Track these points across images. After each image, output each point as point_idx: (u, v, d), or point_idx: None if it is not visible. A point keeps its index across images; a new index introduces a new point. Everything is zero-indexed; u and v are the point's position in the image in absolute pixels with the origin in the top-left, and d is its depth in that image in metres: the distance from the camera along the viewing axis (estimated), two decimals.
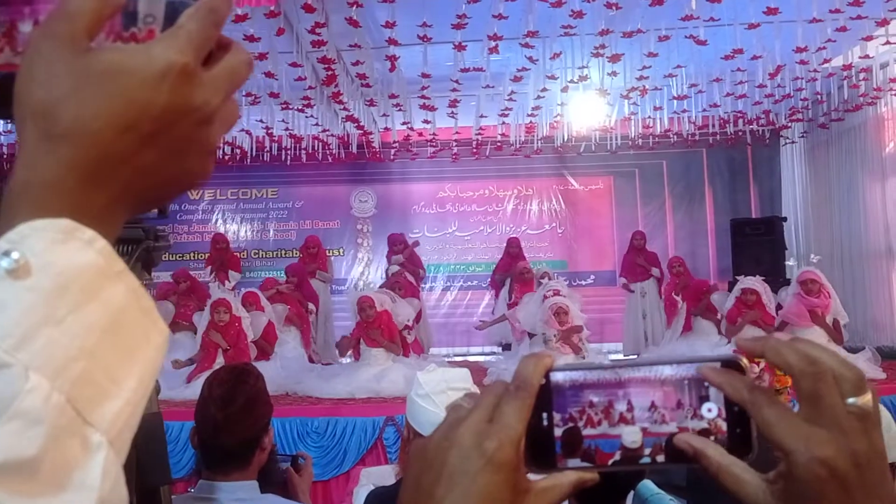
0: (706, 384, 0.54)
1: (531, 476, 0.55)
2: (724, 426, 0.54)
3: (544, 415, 0.55)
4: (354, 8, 5.18)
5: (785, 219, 9.69)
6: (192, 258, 10.32)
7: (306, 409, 5.71)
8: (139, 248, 1.63)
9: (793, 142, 10.00)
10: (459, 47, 5.66)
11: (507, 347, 8.38)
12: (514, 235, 9.58)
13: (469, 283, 10.56)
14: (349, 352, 6.38)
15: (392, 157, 10.32)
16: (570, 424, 0.55)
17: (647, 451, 0.55)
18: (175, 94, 0.46)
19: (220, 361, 5.77)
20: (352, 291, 7.91)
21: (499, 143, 9.48)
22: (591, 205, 10.82)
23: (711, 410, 0.54)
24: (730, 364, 0.55)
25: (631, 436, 0.55)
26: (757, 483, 0.52)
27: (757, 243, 9.13)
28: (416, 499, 0.53)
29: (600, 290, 10.34)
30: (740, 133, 9.22)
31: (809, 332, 6.22)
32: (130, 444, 0.45)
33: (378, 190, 10.97)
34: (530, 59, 6.05)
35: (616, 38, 5.82)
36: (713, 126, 8.96)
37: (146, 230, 1.68)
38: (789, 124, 9.34)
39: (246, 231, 10.92)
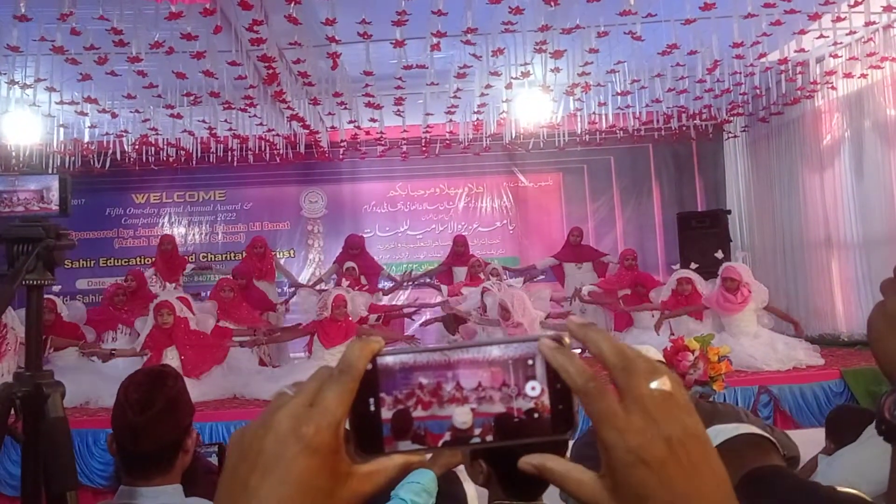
0: (531, 363, 0.55)
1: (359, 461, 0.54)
2: (548, 404, 0.54)
3: (371, 399, 0.54)
4: (293, 5, 5.12)
5: (729, 211, 9.92)
6: (138, 263, 10.11)
7: (253, 411, 5.66)
8: (39, 247, 1.59)
9: (735, 136, 10.20)
10: (400, 44, 5.63)
11: None
12: (462, 233, 9.66)
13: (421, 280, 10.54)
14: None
15: (341, 156, 10.27)
16: (399, 407, 0.54)
17: (478, 430, 0.55)
18: None
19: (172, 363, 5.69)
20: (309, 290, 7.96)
21: (447, 141, 9.49)
22: (541, 201, 10.91)
23: (535, 389, 0.54)
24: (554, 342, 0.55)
25: (461, 416, 0.55)
26: (593, 481, 0.53)
27: (703, 236, 9.31)
28: (232, 490, 0.51)
29: (552, 285, 10.41)
30: (684, 128, 9.37)
31: (736, 317, 6.44)
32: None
33: (328, 190, 10.90)
34: (474, 55, 6.05)
35: (556, 34, 5.86)
36: (658, 121, 9.10)
37: (46, 228, 1.64)
38: (731, 118, 9.53)
39: (194, 234, 10.75)
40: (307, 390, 0.52)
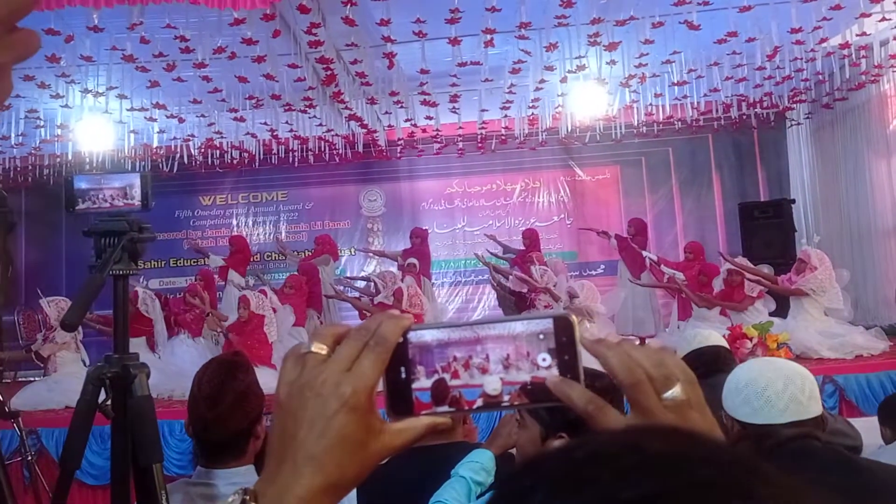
0: (542, 338, 0.62)
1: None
2: (557, 373, 0.62)
3: (402, 368, 0.62)
4: (349, 7, 5.25)
5: (793, 201, 9.67)
6: (206, 262, 10.44)
7: None
8: (124, 239, 1.72)
9: (798, 123, 9.97)
10: (455, 42, 5.72)
11: None
12: (531, 228, 9.68)
13: (480, 277, 10.60)
14: None
15: (398, 155, 10.41)
16: (437, 377, 0.62)
17: (506, 397, 0.62)
18: None
19: None
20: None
21: (503, 137, 9.54)
22: (598, 195, 10.86)
23: (546, 360, 0.62)
24: (560, 319, 0.63)
25: (492, 384, 0.62)
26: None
27: (766, 226, 9.12)
28: (283, 441, 0.60)
29: (611, 279, 10.35)
30: (745, 116, 9.21)
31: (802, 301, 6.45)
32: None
33: (386, 188, 11.07)
34: (525, 51, 6.09)
35: (610, 26, 5.85)
36: (717, 111, 8.96)
37: (130, 222, 1.78)
38: (793, 106, 9.31)
39: (258, 234, 11.04)
40: (344, 357, 0.61)
